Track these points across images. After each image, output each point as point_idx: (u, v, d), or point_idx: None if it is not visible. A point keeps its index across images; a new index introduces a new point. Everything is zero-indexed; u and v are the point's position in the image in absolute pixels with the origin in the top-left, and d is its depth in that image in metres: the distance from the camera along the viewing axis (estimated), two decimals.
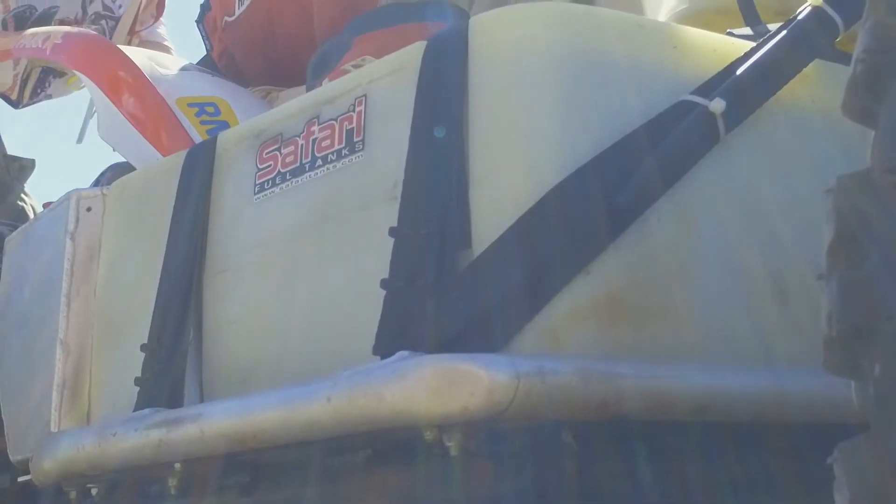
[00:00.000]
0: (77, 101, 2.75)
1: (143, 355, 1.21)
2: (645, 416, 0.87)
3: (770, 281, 0.98)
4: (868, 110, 0.66)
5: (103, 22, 2.56)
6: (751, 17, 1.12)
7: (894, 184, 0.62)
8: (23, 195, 2.58)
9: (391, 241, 0.93)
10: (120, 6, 2.60)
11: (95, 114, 1.97)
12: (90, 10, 2.55)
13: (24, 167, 2.61)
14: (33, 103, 2.60)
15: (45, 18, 2.40)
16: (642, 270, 0.91)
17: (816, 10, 1.02)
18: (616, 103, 0.93)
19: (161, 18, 2.80)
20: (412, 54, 1.01)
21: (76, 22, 2.44)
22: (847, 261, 0.63)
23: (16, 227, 2.03)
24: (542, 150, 0.91)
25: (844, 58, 1.00)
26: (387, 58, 1.07)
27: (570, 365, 0.83)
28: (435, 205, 0.91)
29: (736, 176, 0.98)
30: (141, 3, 2.69)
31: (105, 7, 2.58)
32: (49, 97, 2.63)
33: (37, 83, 2.53)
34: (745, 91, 0.96)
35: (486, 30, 0.96)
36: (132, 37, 2.70)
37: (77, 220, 1.47)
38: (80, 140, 2.26)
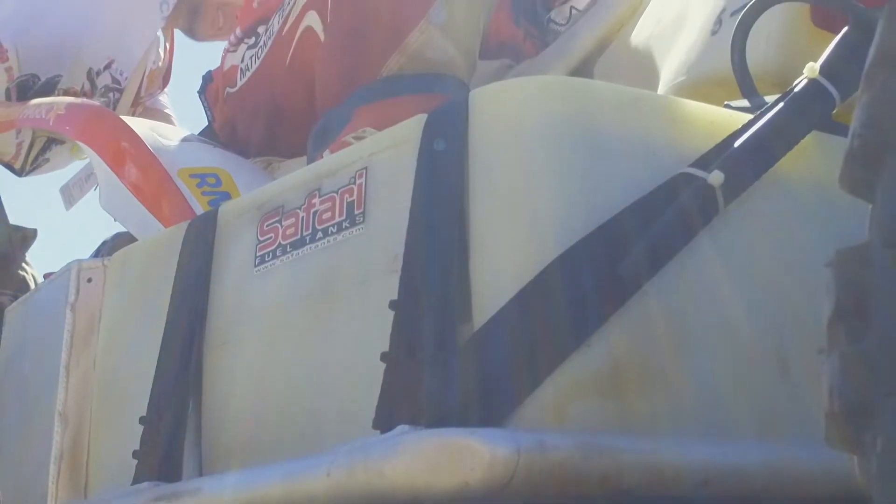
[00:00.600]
0: (78, 169, 2.77)
1: (141, 428, 1.21)
2: (647, 490, 0.86)
3: (771, 353, 0.98)
4: (865, 184, 0.67)
5: (111, 94, 2.58)
6: (748, 89, 1.13)
7: (893, 258, 0.62)
8: (24, 265, 2.59)
9: (392, 313, 0.93)
10: (126, 78, 2.63)
11: (96, 184, 1.98)
12: (99, 84, 2.57)
13: (26, 237, 2.61)
14: (36, 172, 2.62)
15: (49, 87, 2.42)
16: (643, 342, 0.91)
17: (813, 83, 1.03)
18: (615, 176, 0.94)
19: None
20: (413, 127, 1.01)
21: (83, 94, 2.47)
22: (847, 335, 0.63)
23: (17, 297, 2.03)
24: (542, 223, 0.91)
25: (841, 130, 1.01)
26: (387, 130, 1.08)
27: (572, 439, 0.83)
28: (435, 278, 0.91)
29: (735, 247, 0.98)
30: (145, 72, 2.72)
31: (114, 80, 2.60)
32: (51, 166, 2.64)
33: (39, 152, 2.55)
34: (744, 163, 0.97)
35: (485, 103, 0.97)
36: (136, 107, 2.73)
37: (77, 290, 1.48)
38: (67, 207, 2.28)
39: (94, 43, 2.58)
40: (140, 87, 2.72)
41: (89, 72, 2.57)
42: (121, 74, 2.62)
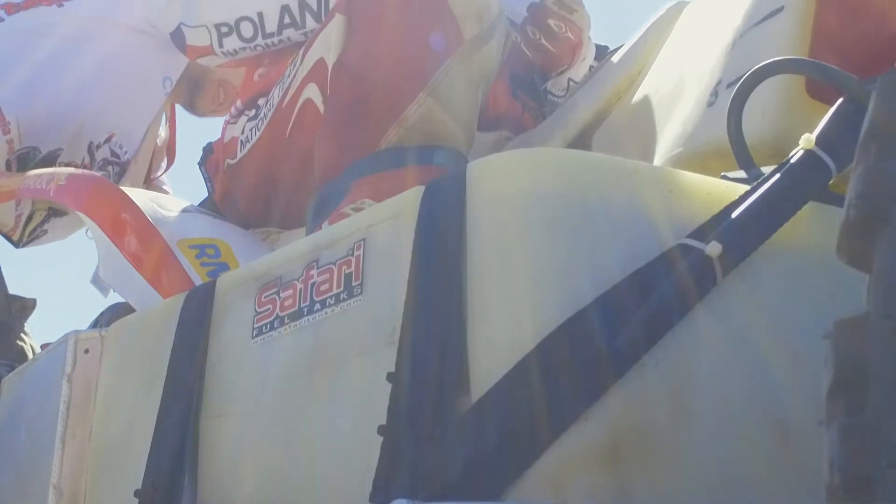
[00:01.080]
0: (77, 240, 2.78)
1: (137, 501, 1.19)
2: None
3: (771, 424, 0.97)
4: (862, 255, 0.67)
5: (110, 168, 2.60)
6: (744, 160, 1.13)
7: (892, 329, 0.62)
8: (22, 334, 2.59)
9: (389, 386, 0.92)
10: (126, 152, 2.64)
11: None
12: (98, 157, 2.59)
13: (25, 306, 2.61)
14: (33, 243, 2.63)
15: (50, 160, 2.44)
16: (642, 415, 0.90)
17: (809, 154, 1.03)
18: (613, 247, 0.94)
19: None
20: (411, 199, 1.02)
21: (82, 166, 2.48)
22: (847, 407, 0.63)
23: (14, 367, 2.02)
24: (539, 296, 0.91)
25: (838, 200, 1.01)
26: (386, 202, 1.08)
27: None
28: (433, 350, 0.91)
29: (734, 318, 0.98)
30: (154, 149, 2.75)
31: (112, 154, 2.62)
32: (48, 237, 2.65)
33: (38, 224, 2.56)
34: (742, 234, 0.97)
35: (484, 175, 0.97)
36: (147, 185, 2.75)
37: (74, 361, 1.47)
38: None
39: (96, 117, 2.60)
40: (151, 166, 2.75)
41: (90, 145, 2.58)
42: (120, 148, 2.64)
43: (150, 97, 2.70)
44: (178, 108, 2.90)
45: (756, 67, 1.12)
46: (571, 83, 2.13)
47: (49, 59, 2.56)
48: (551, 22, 2.00)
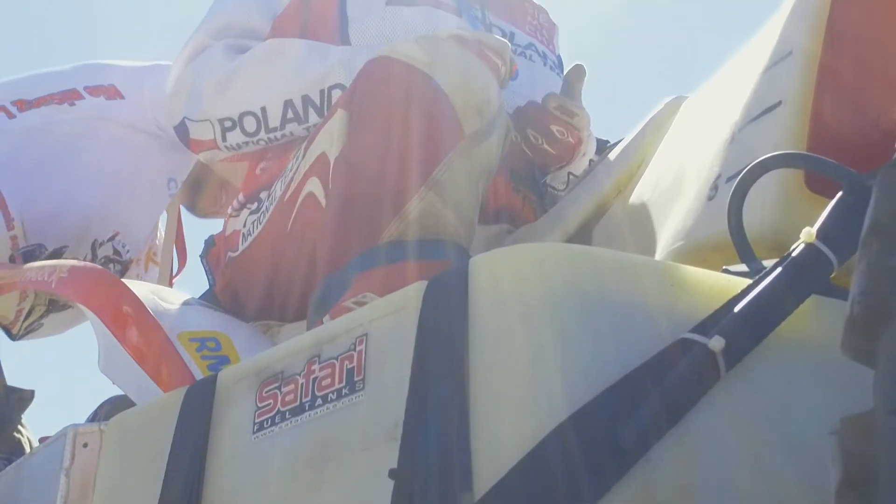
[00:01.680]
0: (75, 332, 2.78)
1: None
2: None
3: None
4: (868, 350, 0.67)
5: (111, 265, 2.62)
6: (746, 254, 1.14)
7: None
8: (20, 427, 2.58)
9: (392, 483, 0.92)
10: (128, 251, 2.66)
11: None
12: (100, 254, 2.61)
13: (23, 398, 2.61)
14: (29, 336, 2.63)
15: (55, 258, 2.45)
16: None
17: (810, 248, 1.04)
18: (616, 343, 0.94)
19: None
20: (413, 293, 1.02)
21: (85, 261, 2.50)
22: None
23: (11, 461, 2.01)
24: (542, 391, 0.91)
25: (841, 293, 1.01)
26: (388, 297, 1.08)
27: None
28: (435, 447, 0.90)
29: (738, 413, 0.97)
30: (159, 237, 2.77)
31: (115, 251, 2.64)
32: (45, 331, 2.66)
33: (36, 319, 2.56)
34: (744, 328, 0.97)
35: (485, 270, 0.98)
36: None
37: (73, 456, 1.46)
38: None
39: (102, 216, 2.63)
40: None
41: (94, 243, 2.60)
42: (123, 247, 2.66)
43: (156, 198, 2.73)
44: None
45: (755, 162, 1.13)
46: (571, 177, 2.15)
47: (57, 157, 2.60)
48: (554, 128, 2.03)
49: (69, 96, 2.67)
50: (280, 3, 2.13)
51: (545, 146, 2.07)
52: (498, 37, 1.93)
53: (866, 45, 1.32)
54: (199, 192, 3.03)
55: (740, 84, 1.46)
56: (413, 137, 1.55)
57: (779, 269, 1.02)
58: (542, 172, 2.19)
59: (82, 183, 2.62)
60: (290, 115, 1.93)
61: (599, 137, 2.31)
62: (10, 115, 2.63)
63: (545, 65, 2.28)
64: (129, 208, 2.70)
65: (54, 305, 2.56)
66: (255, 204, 2.02)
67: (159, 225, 2.94)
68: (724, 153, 1.39)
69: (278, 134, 1.96)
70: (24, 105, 2.64)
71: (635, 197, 1.65)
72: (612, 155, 1.83)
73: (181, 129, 2.02)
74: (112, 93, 2.70)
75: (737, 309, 0.98)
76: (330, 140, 1.67)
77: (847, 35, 1.32)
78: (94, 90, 2.70)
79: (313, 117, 1.91)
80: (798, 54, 1.33)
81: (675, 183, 1.51)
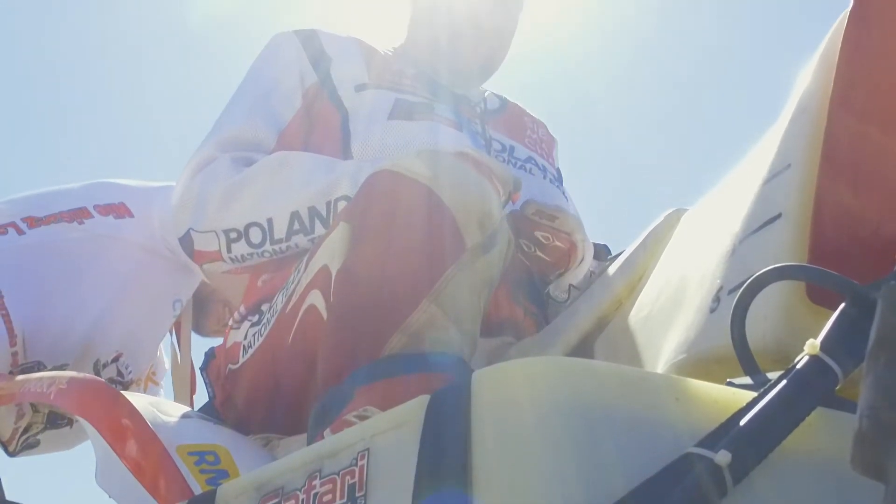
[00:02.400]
0: (74, 450, 2.76)
1: None
2: None
3: None
4: (877, 464, 0.66)
5: (114, 386, 2.61)
6: (749, 366, 1.13)
7: None
8: None
9: None
10: (130, 372, 2.66)
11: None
12: (104, 376, 2.60)
13: None
14: (24, 453, 2.61)
15: None
16: None
17: (814, 360, 1.03)
18: (620, 458, 0.92)
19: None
20: (416, 408, 1.01)
21: None
22: None
23: None
24: None
25: (846, 405, 1.00)
26: (390, 411, 1.07)
27: None
28: None
29: None
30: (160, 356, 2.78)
31: (118, 373, 2.64)
32: (42, 448, 2.64)
33: (32, 434, 2.55)
34: (750, 442, 0.96)
35: (488, 384, 0.97)
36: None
37: None
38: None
39: (105, 337, 2.64)
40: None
41: (96, 363, 2.60)
42: (126, 368, 2.66)
43: (161, 319, 2.74)
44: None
45: (757, 274, 1.13)
46: (572, 289, 2.15)
47: (63, 275, 2.61)
48: (538, 234, 2.04)
49: (79, 215, 2.70)
50: (285, 117, 2.16)
51: (538, 253, 2.08)
52: (502, 164, 1.94)
53: (864, 156, 1.33)
54: (203, 313, 3.05)
55: (740, 196, 1.47)
56: (415, 250, 1.55)
57: (784, 382, 1.02)
58: (542, 282, 2.20)
59: (88, 302, 2.63)
60: (296, 226, 1.94)
61: (598, 242, 2.32)
62: (21, 232, 2.66)
63: (545, 178, 2.30)
64: (133, 329, 2.71)
65: (52, 422, 2.55)
66: (257, 316, 2.01)
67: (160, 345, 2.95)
68: (725, 265, 1.39)
69: (283, 246, 1.97)
70: (34, 222, 2.67)
71: (637, 309, 1.65)
72: (613, 267, 1.83)
73: (186, 241, 2.03)
74: (121, 211, 2.74)
75: (742, 422, 0.97)
76: (332, 253, 1.68)
77: (845, 147, 1.33)
78: (104, 209, 2.73)
79: (319, 229, 1.93)
80: (797, 167, 1.35)
81: (677, 295, 1.51)
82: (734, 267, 1.37)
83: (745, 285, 1.14)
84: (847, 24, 1.31)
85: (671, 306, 1.51)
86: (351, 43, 2.33)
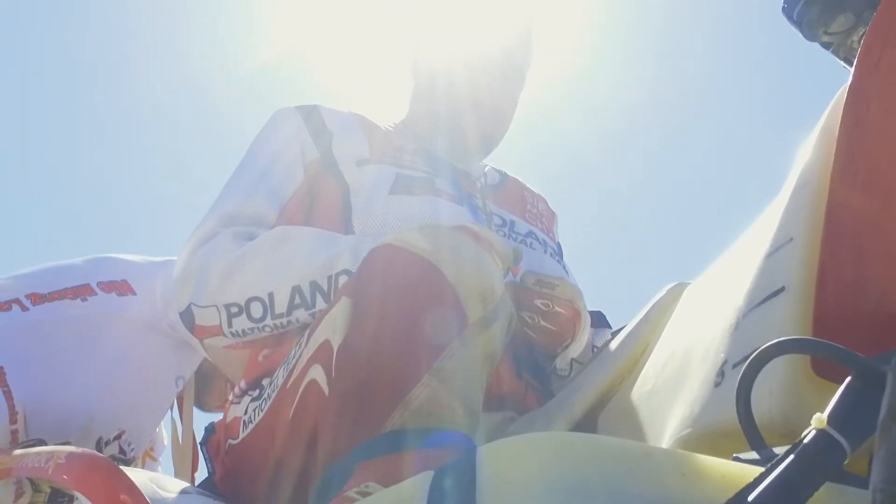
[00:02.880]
0: None
1: None
2: None
3: None
4: None
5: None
6: (756, 441, 1.12)
7: None
8: None
9: None
10: (132, 449, 2.64)
11: None
12: (106, 452, 2.58)
13: None
14: None
15: None
16: None
17: (822, 434, 1.02)
18: None
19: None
20: (419, 484, 1.00)
21: None
22: None
23: None
24: None
25: (855, 480, 0.99)
26: (394, 487, 1.06)
27: None
28: None
29: None
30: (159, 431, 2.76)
31: (121, 450, 2.62)
32: None
33: None
34: None
35: (493, 460, 0.96)
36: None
37: None
38: None
39: (107, 415, 2.62)
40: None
41: (98, 441, 2.59)
42: (128, 445, 2.64)
43: (163, 396, 2.73)
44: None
45: (762, 348, 1.12)
46: (575, 364, 2.14)
47: (66, 352, 2.61)
48: (538, 302, 2.04)
49: (82, 291, 2.71)
50: (286, 192, 2.17)
51: (542, 323, 2.08)
52: (502, 238, 1.95)
53: (866, 229, 1.33)
54: (206, 389, 3.04)
55: (742, 270, 1.46)
56: (417, 325, 1.55)
57: (791, 457, 1.00)
58: (547, 356, 2.19)
59: (90, 379, 2.62)
60: (297, 301, 1.94)
61: (593, 310, 2.32)
62: (24, 308, 2.66)
63: (545, 252, 2.31)
64: (136, 406, 2.70)
65: (53, 501, 2.52)
66: (257, 391, 2.00)
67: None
68: (728, 339, 1.39)
69: (284, 320, 1.96)
70: (38, 299, 2.67)
71: (640, 383, 1.64)
72: (616, 341, 1.83)
73: (187, 315, 2.02)
74: (124, 289, 2.74)
75: (750, 498, 0.95)
76: (333, 327, 1.67)
77: (846, 220, 1.33)
78: (107, 286, 2.74)
79: (320, 303, 1.92)
80: (799, 240, 1.35)
81: (681, 369, 1.50)
82: (738, 341, 1.36)
83: (749, 360, 1.13)
84: (846, 99, 1.32)
85: (675, 380, 1.50)
86: (352, 118, 2.35)
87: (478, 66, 2.37)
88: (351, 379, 1.59)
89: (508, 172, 2.59)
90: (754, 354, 1.13)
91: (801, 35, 1.84)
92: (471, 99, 2.37)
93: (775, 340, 1.13)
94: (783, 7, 1.85)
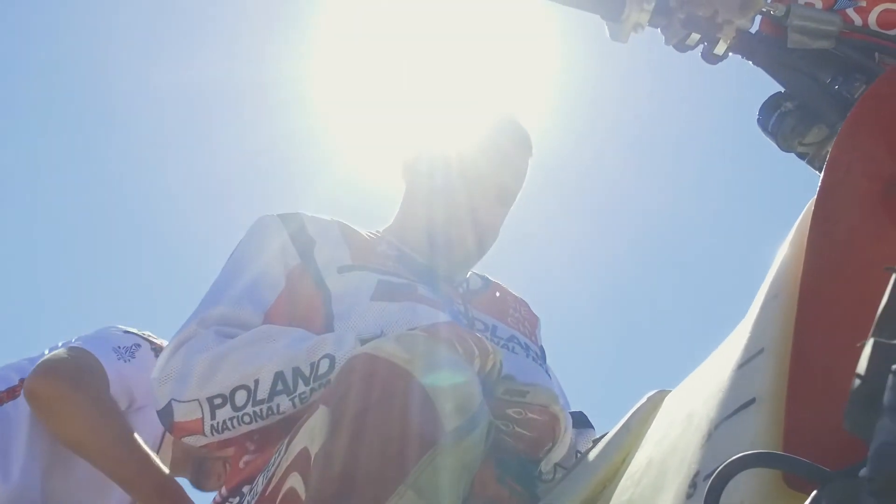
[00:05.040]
0: None
1: None
2: None
3: None
4: None
5: None
6: None
7: None
8: None
9: None
10: None
11: None
12: None
13: None
14: None
15: None
16: None
17: None
18: None
19: None
20: None
21: None
22: None
23: None
24: None
25: None
26: None
27: None
28: None
29: None
30: None
31: None
32: None
33: None
34: None
35: None
36: None
37: None
38: None
39: None
40: None
41: None
42: None
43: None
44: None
45: (727, 463, 1.12)
46: (558, 468, 2.14)
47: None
48: (511, 412, 2.03)
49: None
50: (269, 298, 2.18)
51: (518, 430, 2.07)
52: (482, 338, 1.95)
53: (834, 344, 1.34)
54: (202, 470, 3.04)
55: (717, 379, 1.47)
56: (393, 435, 1.55)
57: None
58: (532, 462, 2.18)
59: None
60: (279, 386, 1.93)
61: (574, 410, 2.32)
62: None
63: (528, 356, 2.32)
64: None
65: None
66: (237, 498, 2.00)
67: None
68: (701, 450, 1.39)
69: (265, 407, 1.93)
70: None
71: (619, 492, 1.63)
72: (597, 449, 1.83)
73: (165, 413, 2.00)
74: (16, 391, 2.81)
75: None
76: (311, 436, 1.68)
77: (816, 331, 1.35)
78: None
79: (301, 387, 1.91)
80: (770, 351, 1.36)
81: (657, 479, 1.50)
82: (709, 452, 1.36)
83: (716, 473, 1.14)
84: (814, 211, 1.35)
85: (651, 490, 1.50)
86: (334, 226, 2.38)
87: (477, 185, 2.42)
88: (327, 488, 1.58)
89: (491, 277, 2.61)
90: (719, 469, 1.13)
91: (776, 146, 1.87)
92: (469, 215, 2.41)
93: (740, 454, 1.13)
94: (758, 119, 1.89)
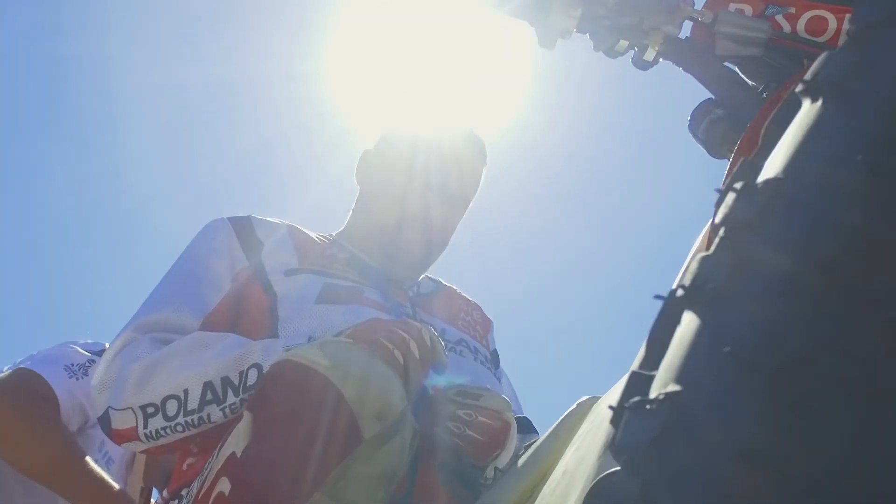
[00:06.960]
0: None
1: None
2: None
3: None
4: None
5: None
6: None
7: None
8: None
9: None
10: None
11: None
12: None
13: None
14: None
15: None
16: None
17: None
18: None
19: None
20: None
21: None
22: None
23: None
24: None
25: None
26: None
27: None
28: None
29: None
30: None
31: None
32: None
33: None
34: None
35: None
36: None
37: None
38: None
39: None
40: None
41: None
42: None
43: None
44: None
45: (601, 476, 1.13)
46: (497, 471, 2.14)
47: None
48: (461, 413, 2.03)
49: None
50: (211, 302, 2.18)
51: (469, 433, 2.08)
52: (414, 322, 1.95)
53: None
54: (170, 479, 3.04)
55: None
56: (310, 442, 1.56)
57: None
58: (479, 467, 2.18)
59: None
60: (209, 396, 1.93)
61: (518, 416, 2.32)
62: None
63: (475, 360, 2.32)
64: None
65: None
66: (176, 501, 2.01)
67: None
68: (599, 460, 1.39)
69: (195, 417, 1.94)
70: None
71: (538, 502, 1.64)
72: (526, 456, 1.83)
73: (104, 420, 2.02)
74: None
75: None
76: (237, 441, 1.69)
77: None
78: None
79: (231, 397, 1.92)
80: None
81: (567, 489, 1.50)
82: (607, 462, 1.36)
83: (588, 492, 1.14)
84: (711, 228, 1.35)
85: (561, 498, 1.50)
86: (283, 229, 2.39)
87: (428, 190, 2.42)
88: (247, 493, 1.60)
89: (444, 281, 2.61)
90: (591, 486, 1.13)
91: (706, 153, 1.87)
92: (420, 220, 2.41)
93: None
94: (689, 124, 1.89)
